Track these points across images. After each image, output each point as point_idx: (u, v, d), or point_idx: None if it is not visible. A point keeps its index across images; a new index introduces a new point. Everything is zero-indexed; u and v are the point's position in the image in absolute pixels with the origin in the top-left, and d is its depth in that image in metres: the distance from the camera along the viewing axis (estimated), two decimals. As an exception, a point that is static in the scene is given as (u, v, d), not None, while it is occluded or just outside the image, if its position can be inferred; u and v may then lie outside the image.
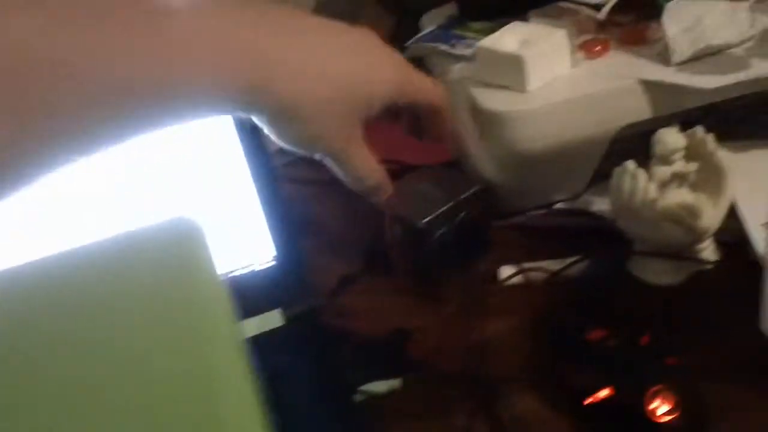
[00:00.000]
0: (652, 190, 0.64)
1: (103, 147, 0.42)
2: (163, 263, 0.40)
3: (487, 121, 0.71)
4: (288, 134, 0.53)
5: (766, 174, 0.70)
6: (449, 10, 0.87)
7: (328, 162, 0.55)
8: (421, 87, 0.56)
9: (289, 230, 0.71)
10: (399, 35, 0.90)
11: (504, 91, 0.71)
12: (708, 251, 0.69)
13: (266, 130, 0.53)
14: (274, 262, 0.71)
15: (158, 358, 0.34)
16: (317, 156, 0.55)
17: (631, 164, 0.65)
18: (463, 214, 0.70)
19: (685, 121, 0.68)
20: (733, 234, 0.69)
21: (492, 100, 0.70)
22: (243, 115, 0.50)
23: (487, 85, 0.72)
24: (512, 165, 0.73)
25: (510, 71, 0.69)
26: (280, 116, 0.51)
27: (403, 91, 0.54)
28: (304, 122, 0.51)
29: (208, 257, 0.41)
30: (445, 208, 0.70)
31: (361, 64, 0.52)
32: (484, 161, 0.74)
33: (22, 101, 0.37)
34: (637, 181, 0.64)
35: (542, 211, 0.78)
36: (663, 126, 0.67)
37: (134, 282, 0.39)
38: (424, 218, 0.69)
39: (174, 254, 0.41)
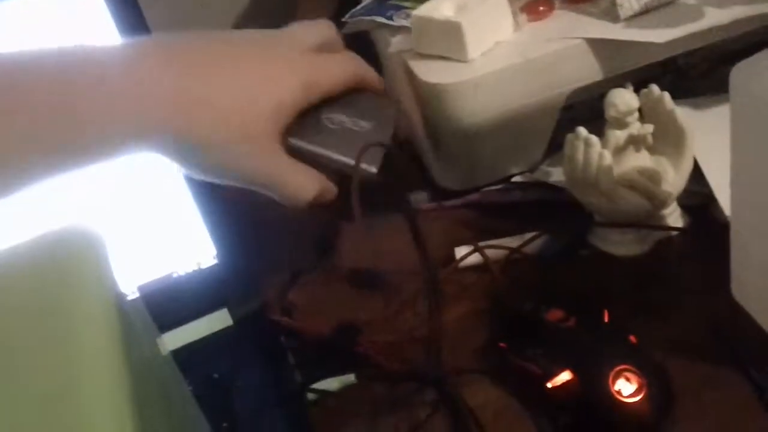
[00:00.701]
0: (608, 157, 0.60)
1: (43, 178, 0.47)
2: (42, 272, 0.36)
3: (427, 95, 0.66)
4: (207, 167, 0.53)
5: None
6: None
7: (261, 189, 0.54)
8: (328, 79, 0.55)
9: (229, 227, 0.68)
10: (342, 12, 0.86)
11: (444, 61, 0.66)
12: (673, 217, 0.65)
13: (183, 167, 0.53)
14: (215, 261, 0.68)
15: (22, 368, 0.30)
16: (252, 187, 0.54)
17: (582, 130, 0.61)
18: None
19: (640, 80, 0.64)
20: (698, 197, 0.65)
21: (431, 72, 0.65)
22: (156, 152, 0.51)
23: (426, 56, 0.67)
24: (460, 140, 0.68)
25: (448, 40, 0.64)
26: (195, 152, 0.51)
27: (310, 90, 0.54)
28: (219, 153, 0.51)
29: (100, 266, 0.38)
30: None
31: (260, 80, 0.52)
32: (430, 138, 0.70)
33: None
34: (590, 148, 0.60)
35: (498, 186, 0.73)
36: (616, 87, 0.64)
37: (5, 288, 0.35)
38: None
39: (58, 263, 0.37)
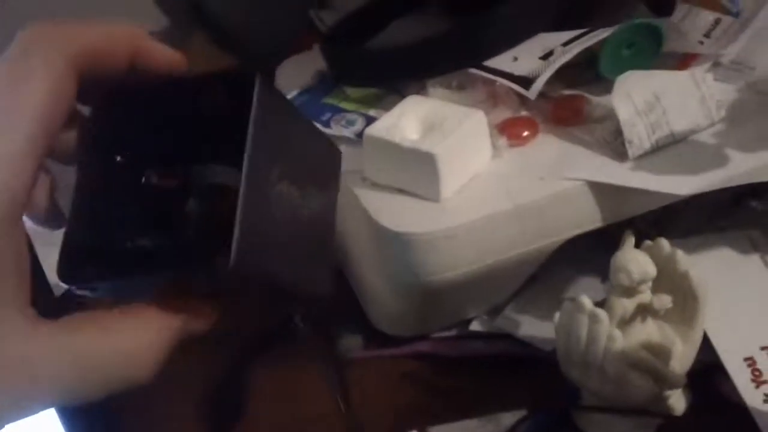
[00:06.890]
0: (619, 339, 0.47)
1: None
2: None
3: (385, 242, 0.51)
4: None
5: (736, 288, 0.56)
6: (311, 61, 0.67)
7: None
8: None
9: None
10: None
11: (407, 198, 0.51)
12: (675, 396, 0.53)
13: None
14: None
15: None
16: None
17: (586, 302, 0.48)
18: None
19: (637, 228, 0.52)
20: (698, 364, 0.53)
21: (392, 215, 0.50)
22: None
23: (381, 187, 0.52)
24: (419, 289, 0.53)
25: (416, 173, 0.49)
26: None
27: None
28: None
29: None
30: None
31: None
32: (376, 284, 0.55)
33: None
34: (597, 326, 0.47)
35: (452, 333, 0.60)
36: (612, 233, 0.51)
37: None
38: None
39: None
